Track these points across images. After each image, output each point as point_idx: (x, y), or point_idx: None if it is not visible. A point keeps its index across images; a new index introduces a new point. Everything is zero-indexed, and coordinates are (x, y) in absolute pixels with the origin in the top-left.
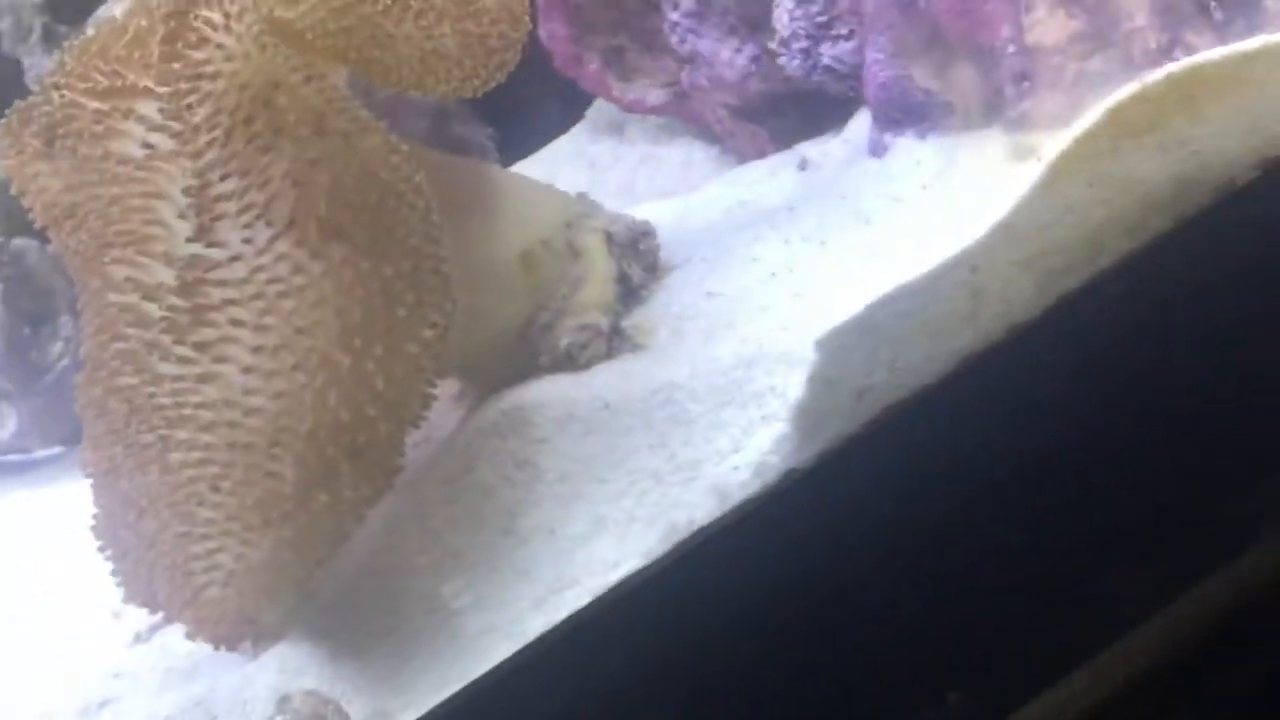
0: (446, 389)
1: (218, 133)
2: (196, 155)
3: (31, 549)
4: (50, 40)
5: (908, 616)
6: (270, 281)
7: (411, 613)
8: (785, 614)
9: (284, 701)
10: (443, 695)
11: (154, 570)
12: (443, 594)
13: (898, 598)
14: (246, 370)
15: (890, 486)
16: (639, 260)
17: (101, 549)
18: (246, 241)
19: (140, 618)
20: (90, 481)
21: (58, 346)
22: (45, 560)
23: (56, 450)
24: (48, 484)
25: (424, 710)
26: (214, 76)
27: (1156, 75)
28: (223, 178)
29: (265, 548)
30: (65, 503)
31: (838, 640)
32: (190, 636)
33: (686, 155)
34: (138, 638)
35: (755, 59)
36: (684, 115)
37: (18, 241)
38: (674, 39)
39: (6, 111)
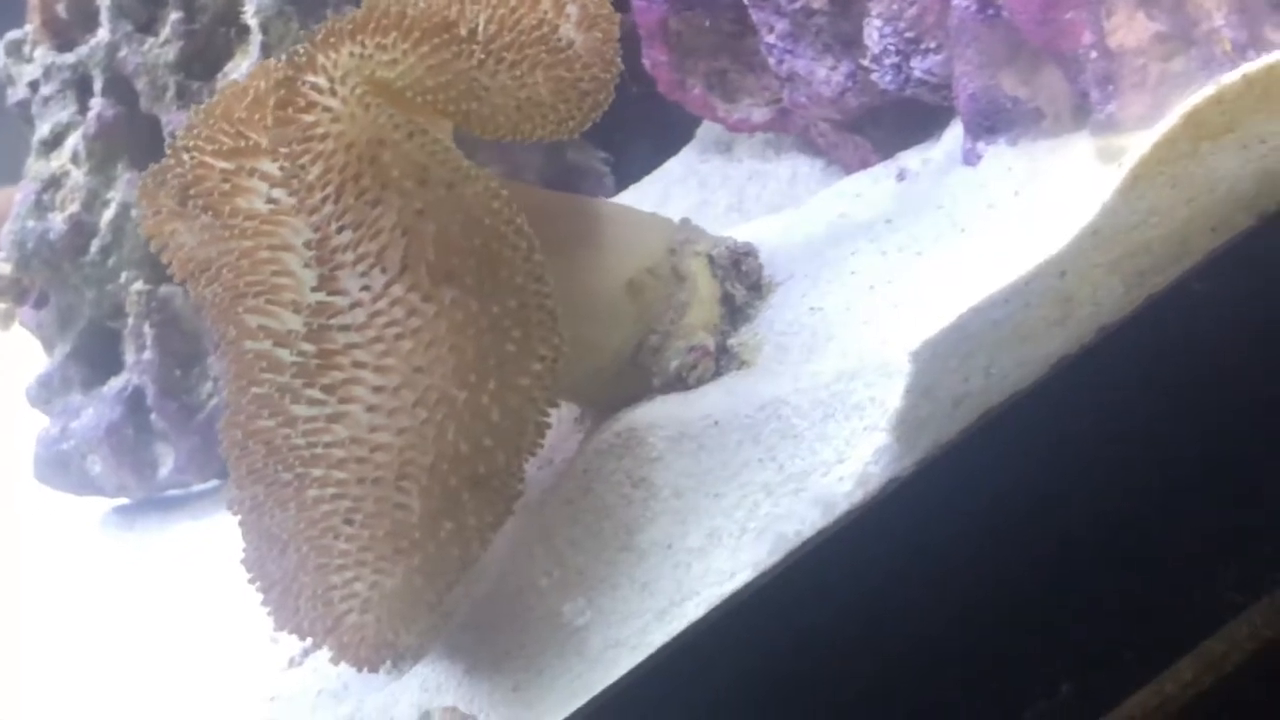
0: (568, 413)
1: (330, 189)
2: (313, 211)
3: (196, 578)
4: (184, 97)
5: (1014, 615)
6: (388, 325)
7: (539, 630)
8: (892, 618)
9: (425, 718)
10: (571, 708)
11: (299, 599)
12: (567, 611)
13: (1003, 597)
14: (371, 409)
15: (989, 491)
16: (742, 280)
17: (251, 581)
18: (364, 289)
19: (294, 643)
20: (238, 519)
21: (207, 386)
22: (209, 589)
23: (213, 484)
24: (207, 516)
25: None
26: (323, 138)
27: (1232, 76)
28: (339, 230)
29: (398, 575)
30: (224, 533)
31: (947, 641)
32: (335, 660)
33: (793, 169)
34: (292, 662)
35: (851, 75)
36: (788, 131)
37: (164, 288)
38: (771, 60)
39: (145, 173)
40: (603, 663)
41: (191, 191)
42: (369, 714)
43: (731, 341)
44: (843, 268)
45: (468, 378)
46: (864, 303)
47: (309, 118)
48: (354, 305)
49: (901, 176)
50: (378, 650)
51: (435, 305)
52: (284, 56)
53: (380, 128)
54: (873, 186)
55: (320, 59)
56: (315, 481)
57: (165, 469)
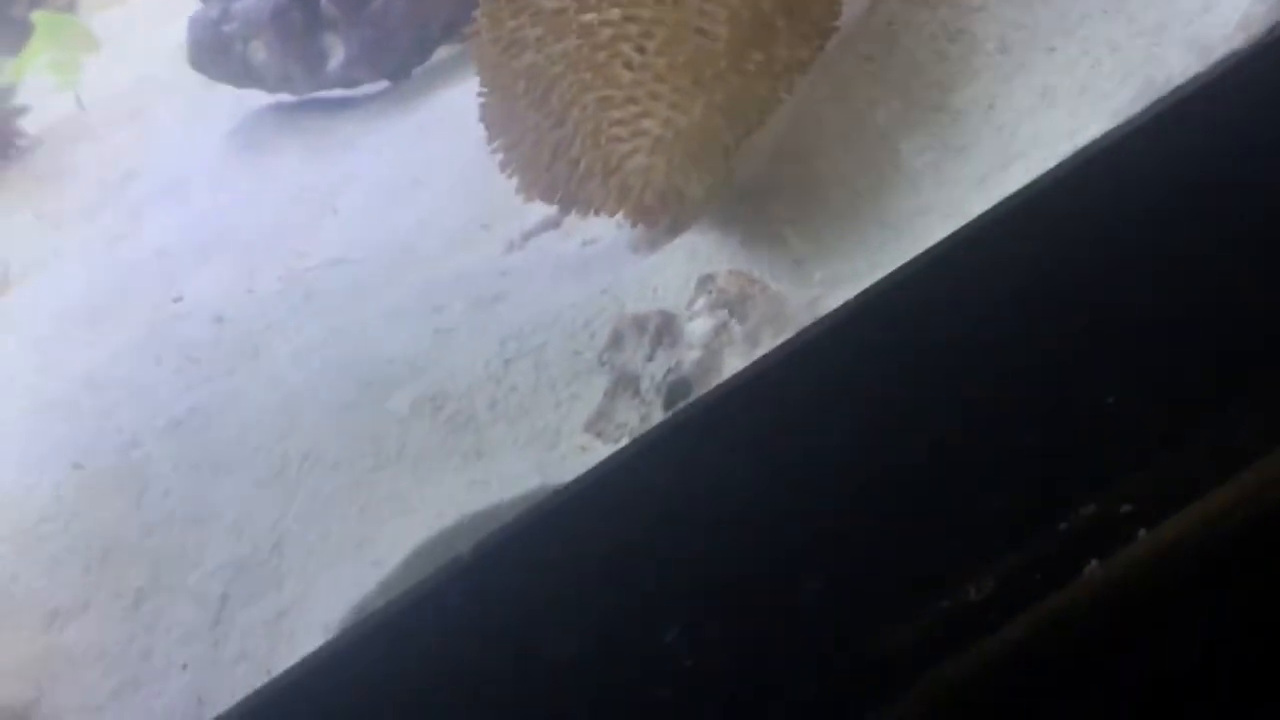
0: None
1: None
2: None
3: (373, 175)
4: None
5: None
6: None
7: (833, 198)
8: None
9: (706, 281)
10: (873, 279)
11: (562, 148)
12: (867, 175)
13: None
14: None
15: None
16: None
17: (490, 140)
18: None
19: (510, 227)
20: (481, 62)
21: None
22: (390, 183)
23: (382, 85)
24: (378, 118)
25: (851, 292)
26: None
27: None
28: None
29: (695, 112)
30: (396, 136)
31: None
32: (610, 211)
33: None
34: (511, 246)
35: None
36: None
37: None
38: None
39: None
40: (910, 232)
41: None
42: (627, 284)
43: None
44: None
45: None
46: None
47: None
48: None
49: None
50: (663, 199)
51: None
52: None
53: None
54: None
55: None
56: (599, 3)
57: (335, 61)
